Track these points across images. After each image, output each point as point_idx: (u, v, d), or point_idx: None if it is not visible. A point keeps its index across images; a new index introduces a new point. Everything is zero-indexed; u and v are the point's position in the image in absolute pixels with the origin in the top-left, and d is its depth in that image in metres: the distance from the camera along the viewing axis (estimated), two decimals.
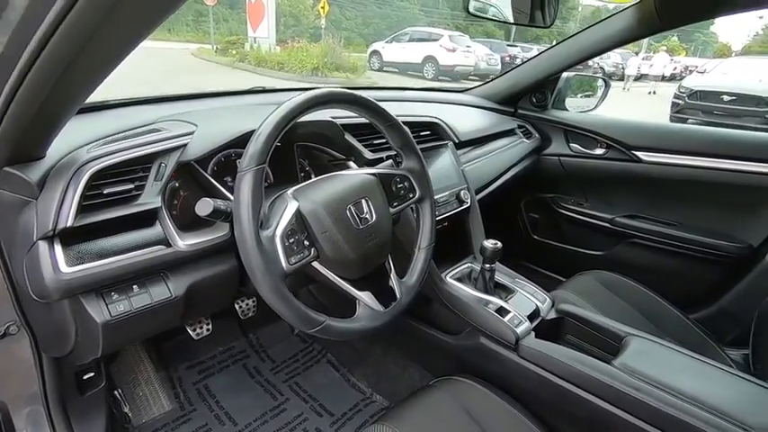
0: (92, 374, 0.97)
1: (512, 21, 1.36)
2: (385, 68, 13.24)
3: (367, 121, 0.82)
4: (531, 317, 1.01)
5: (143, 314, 0.72)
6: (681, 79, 10.78)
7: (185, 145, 0.78)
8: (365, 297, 0.76)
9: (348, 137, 1.01)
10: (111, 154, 0.70)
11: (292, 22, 18.72)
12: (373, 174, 0.82)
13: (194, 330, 1.30)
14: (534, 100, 1.72)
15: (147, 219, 0.73)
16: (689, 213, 1.50)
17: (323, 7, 13.14)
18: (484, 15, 1.40)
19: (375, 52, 13.68)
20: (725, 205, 1.45)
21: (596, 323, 0.99)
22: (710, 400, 0.76)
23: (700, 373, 0.85)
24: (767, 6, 1.16)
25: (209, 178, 0.82)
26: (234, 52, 11.96)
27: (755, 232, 1.39)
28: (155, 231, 0.73)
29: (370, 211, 0.77)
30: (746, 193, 1.39)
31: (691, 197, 1.50)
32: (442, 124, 1.32)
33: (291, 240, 0.67)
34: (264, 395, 1.36)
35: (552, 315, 1.05)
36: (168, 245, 0.74)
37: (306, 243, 0.69)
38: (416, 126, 1.23)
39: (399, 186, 0.85)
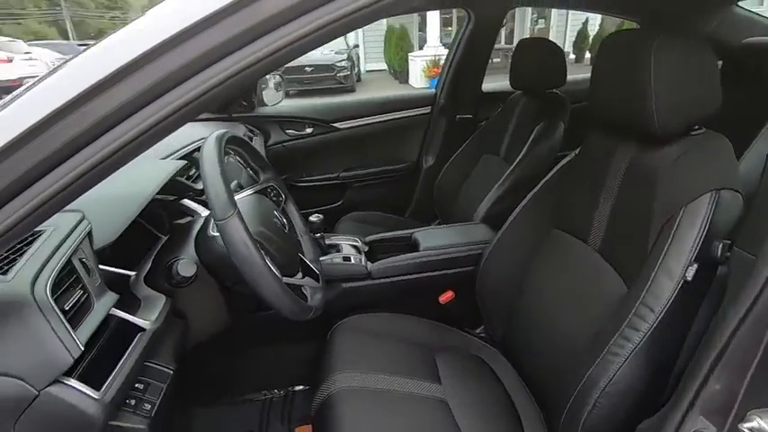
0: None
1: None
2: None
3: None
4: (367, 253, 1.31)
5: None
6: None
7: (89, 233, 0.75)
8: (306, 281, 0.93)
9: None
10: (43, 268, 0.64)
11: None
12: (256, 192, 0.97)
13: None
14: (244, 102, 1.96)
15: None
16: (372, 152, 2.14)
17: None
18: None
19: None
20: (386, 142, 2.14)
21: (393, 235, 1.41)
22: None
23: None
24: None
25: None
26: None
27: (410, 153, 2.18)
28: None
29: (280, 218, 0.93)
30: (398, 131, 2.12)
31: (370, 142, 2.12)
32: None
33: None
34: None
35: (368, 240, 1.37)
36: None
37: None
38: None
39: (271, 195, 1.02)
